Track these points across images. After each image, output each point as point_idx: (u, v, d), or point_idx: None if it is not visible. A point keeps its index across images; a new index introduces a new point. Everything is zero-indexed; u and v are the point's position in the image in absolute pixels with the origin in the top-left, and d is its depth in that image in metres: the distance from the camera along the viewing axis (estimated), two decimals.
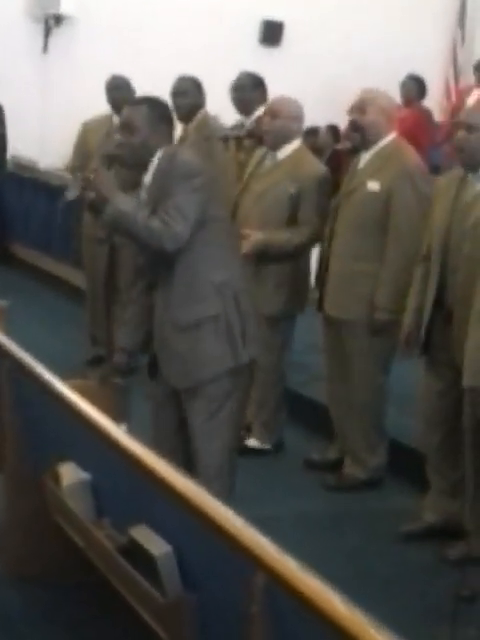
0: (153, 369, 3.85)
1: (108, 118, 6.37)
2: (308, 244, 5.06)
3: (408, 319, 4.29)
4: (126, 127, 3.76)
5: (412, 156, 4.78)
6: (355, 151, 4.87)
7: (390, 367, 4.87)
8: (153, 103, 3.81)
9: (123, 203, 3.64)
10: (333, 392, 5.02)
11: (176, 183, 3.61)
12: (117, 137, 3.88)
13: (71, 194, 3.78)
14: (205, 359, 3.71)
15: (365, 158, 4.76)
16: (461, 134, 3.99)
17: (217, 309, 3.70)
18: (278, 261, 5.00)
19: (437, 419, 4.25)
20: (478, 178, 4.02)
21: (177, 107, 5.91)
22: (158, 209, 3.61)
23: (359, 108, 4.75)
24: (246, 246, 4.79)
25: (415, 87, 9.52)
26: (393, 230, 4.62)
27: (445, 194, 4.17)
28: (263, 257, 4.92)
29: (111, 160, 3.82)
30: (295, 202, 4.95)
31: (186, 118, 6.18)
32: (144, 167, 3.74)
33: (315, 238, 5.01)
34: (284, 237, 4.94)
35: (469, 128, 3.96)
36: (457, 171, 4.21)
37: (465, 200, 4.05)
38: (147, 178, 3.75)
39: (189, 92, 6.22)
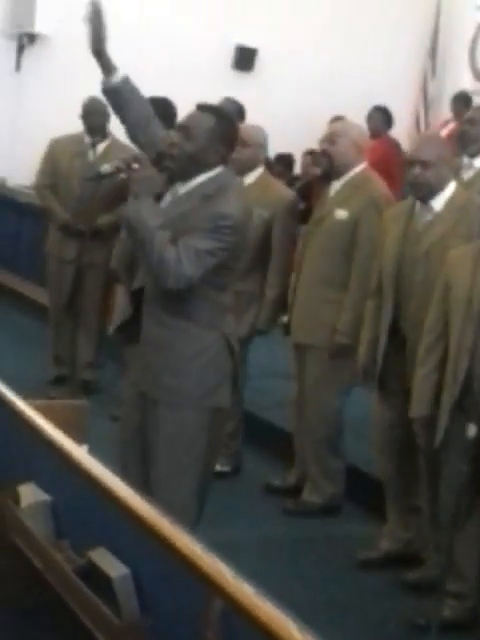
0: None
1: (79, 137, 6.32)
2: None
3: (362, 352, 4.35)
4: (184, 130, 3.51)
5: (380, 187, 4.87)
6: (325, 178, 4.93)
7: (346, 397, 4.89)
8: (222, 118, 3.55)
9: (149, 213, 3.40)
10: (298, 418, 5.04)
11: (212, 230, 3.40)
12: (170, 136, 3.60)
13: (105, 168, 3.62)
14: (182, 382, 3.54)
15: (335, 187, 4.84)
16: (417, 170, 4.05)
17: (204, 345, 3.53)
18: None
19: (391, 448, 4.29)
20: (427, 209, 4.11)
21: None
22: (179, 239, 3.40)
23: (329, 139, 4.83)
24: None
25: (382, 118, 9.56)
26: (358, 258, 4.70)
27: (395, 224, 4.24)
28: None
29: (159, 157, 3.51)
30: (268, 226, 5.01)
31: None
32: (184, 177, 3.52)
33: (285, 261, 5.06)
34: None
35: (424, 164, 4.02)
36: (406, 201, 4.32)
37: (415, 229, 4.14)
38: (183, 190, 3.52)
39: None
